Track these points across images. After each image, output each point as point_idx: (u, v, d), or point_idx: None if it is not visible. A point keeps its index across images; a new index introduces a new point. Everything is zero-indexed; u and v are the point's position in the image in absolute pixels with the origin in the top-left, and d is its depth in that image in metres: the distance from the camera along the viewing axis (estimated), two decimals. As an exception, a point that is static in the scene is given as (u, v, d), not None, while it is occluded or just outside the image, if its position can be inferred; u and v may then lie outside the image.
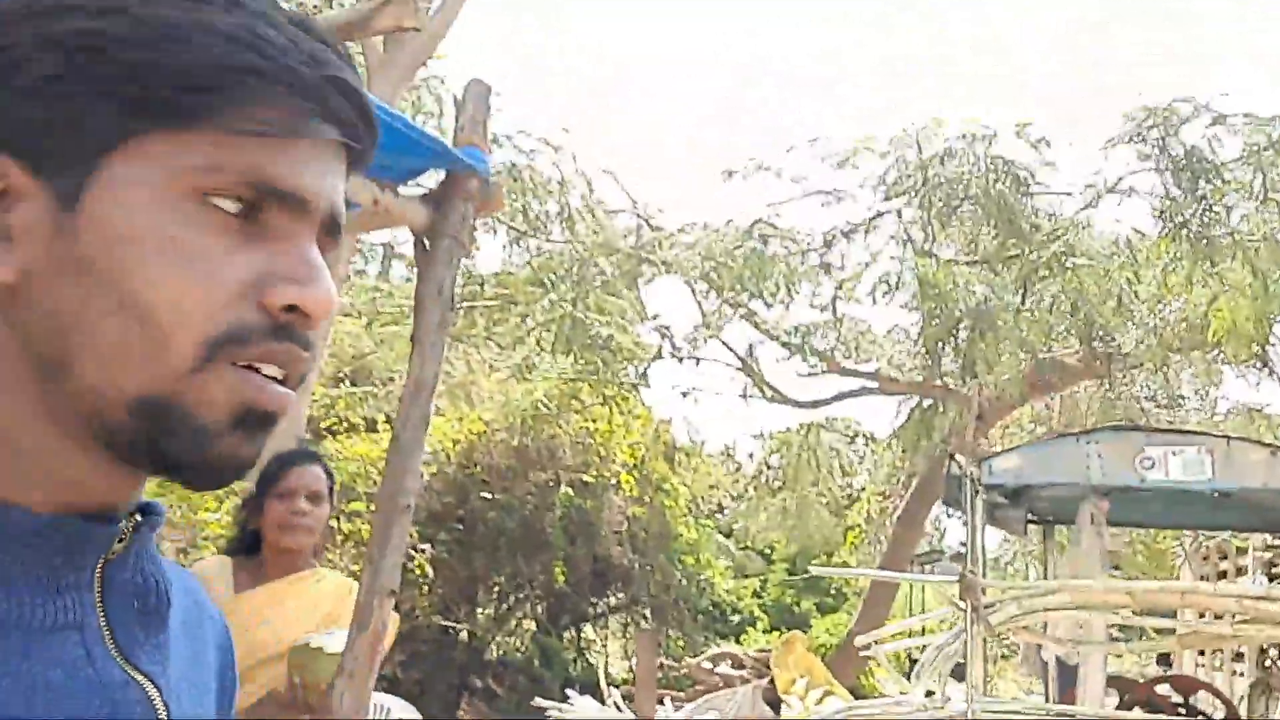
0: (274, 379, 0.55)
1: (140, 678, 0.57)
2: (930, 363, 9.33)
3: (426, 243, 2.47)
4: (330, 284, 0.56)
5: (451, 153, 2.39)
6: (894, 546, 12.60)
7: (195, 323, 0.53)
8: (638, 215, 8.49)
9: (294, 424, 6.64)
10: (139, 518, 0.59)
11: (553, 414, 11.94)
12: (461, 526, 12.02)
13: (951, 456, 6.35)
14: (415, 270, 2.44)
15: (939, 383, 9.60)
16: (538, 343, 9.31)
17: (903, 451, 12.15)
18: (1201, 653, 10.85)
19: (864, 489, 16.97)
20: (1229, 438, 6.33)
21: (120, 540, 0.58)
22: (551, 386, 11.67)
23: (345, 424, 12.42)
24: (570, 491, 12.29)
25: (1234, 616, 5.55)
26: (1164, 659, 12.07)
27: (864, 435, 16.38)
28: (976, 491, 5.31)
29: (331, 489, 2.70)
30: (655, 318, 10.21)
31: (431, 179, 2.50)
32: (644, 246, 8.60)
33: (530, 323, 8.94)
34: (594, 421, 12.51)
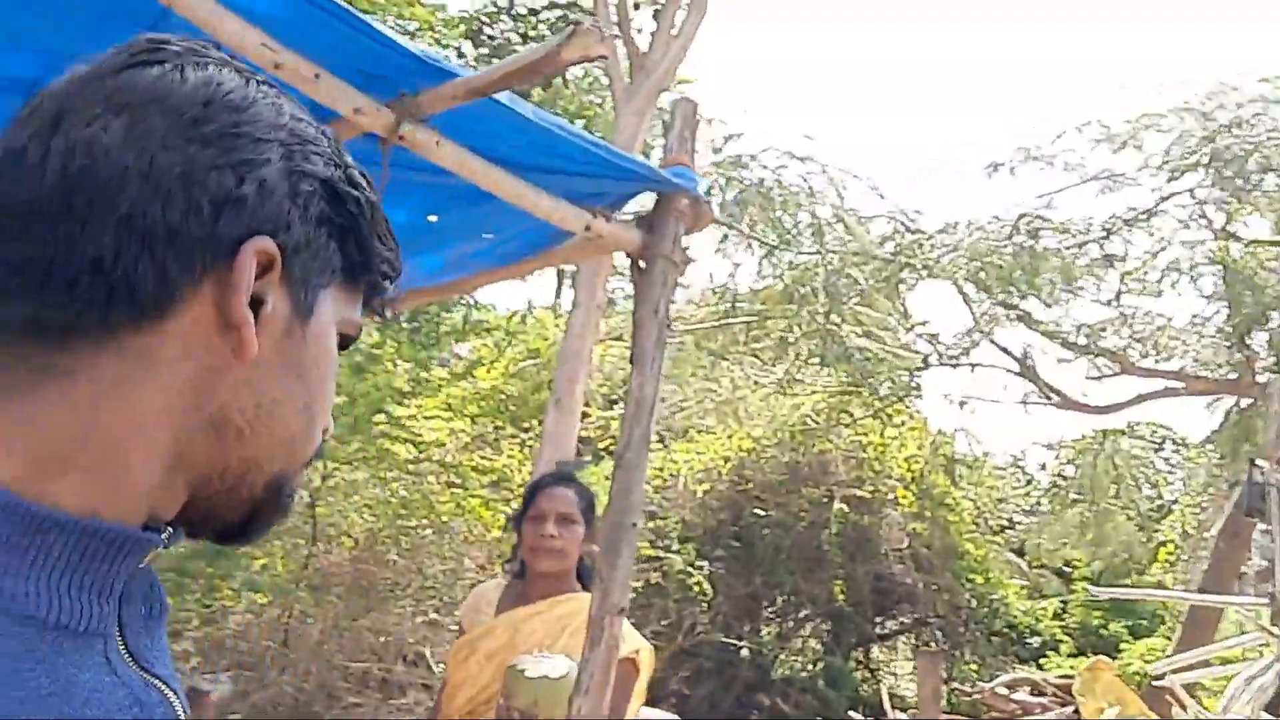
0: None
1: (156, 681, 0.59)
2: (1242, 357, 8.35)
3: (642, 265, 2.50)
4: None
5: (660, 175, 2.41)
6: (1216, 564, 11.33)
7: (320, 430, 0.65)
8: (894, 219, 8.19)
9: (560, 449, 6.94)
10: (169, 529, 0.63)
11: (822, 428, 11.75)
12: (738, 543, 12.07)
13: (1253, 462, 5.61)
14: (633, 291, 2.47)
15: (1256, 379, 8.57)
16: (796, 357, 9.19)
17: (1220, 458, 10.95)
18: None
19: (1176, 500, 15.44)
20: None
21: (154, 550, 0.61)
22: (819, 400, 11.49)
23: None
24: (845, 508, 12.02)
25: None
26: None
27: (1174, 441, 14.92)
28: (1284, 500, 4.67)
29: (588, 510, 2.71)
30: (924, 324, 9.80)
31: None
32: (903, 251, 8.27)
33: (790, 337, 8.83)
34: (866, 435, 12.19)
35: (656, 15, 7.17)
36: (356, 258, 0.65)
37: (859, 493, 12.13)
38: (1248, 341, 7.86)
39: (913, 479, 12.55)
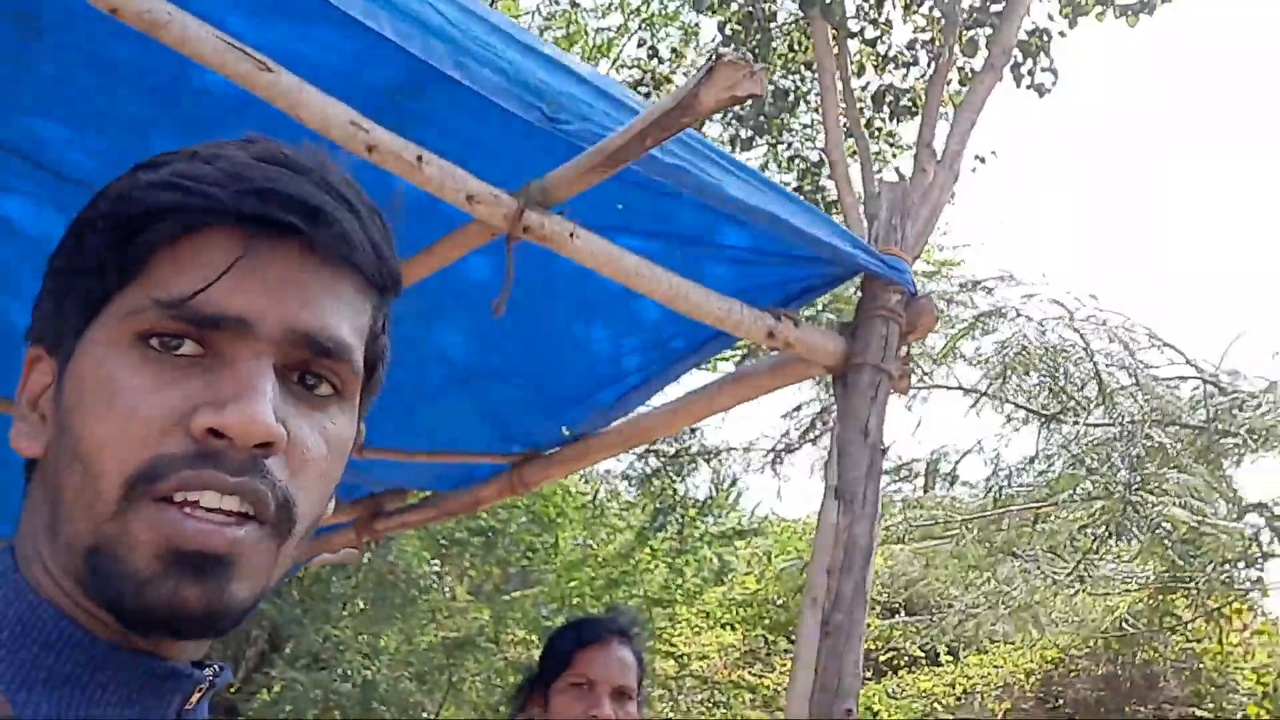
0: (222, 511, 0.55)
1: None
2: None
3: (845, 381, 2.03)
4: (258, 404, 0.55)
5: (874, 254, 1.97)
6: None
7: (116, 461, 0.54)
8: (1203, 379, 7.07)
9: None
10: (213, 674, 0.62)
11: (1143, 634, 10.15)
12: (1053, 774, 10.44)
13: None
14: (836, 412, 2.00)
15: None
16: (1097, 547, 7.97)
17: None
18: None
19: None
20: None
21: (198, 690, 0.60)
22: (1136, 600, 9.97)
23: (905, 657, 11.67)
24: (1183, 730, 10.18)
25: None
26: None
27: None
28: None
29: (643, 674, 1.99)
30: (1259, 506, 8.29)
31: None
32: (1220, 416, 7.09)
33: (1084, 518, 7.68)
34: (1199, 642, 10.42)
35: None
36: (113, 255, 0.59)
37: (1199, 712, 10.30)
38: None
39: (1264, 695, 10.50)
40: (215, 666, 0.63)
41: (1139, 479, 6.42)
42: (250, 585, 0.56)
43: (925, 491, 11.25)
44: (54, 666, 0.55)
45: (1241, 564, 8.81)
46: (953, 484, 9.98)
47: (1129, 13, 7.39)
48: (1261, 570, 9.07)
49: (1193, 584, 9.05)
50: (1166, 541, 6.67)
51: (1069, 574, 8.37)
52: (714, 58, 1.57)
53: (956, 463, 9.43)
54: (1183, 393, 7.28)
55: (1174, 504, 6.33)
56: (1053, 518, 8.12)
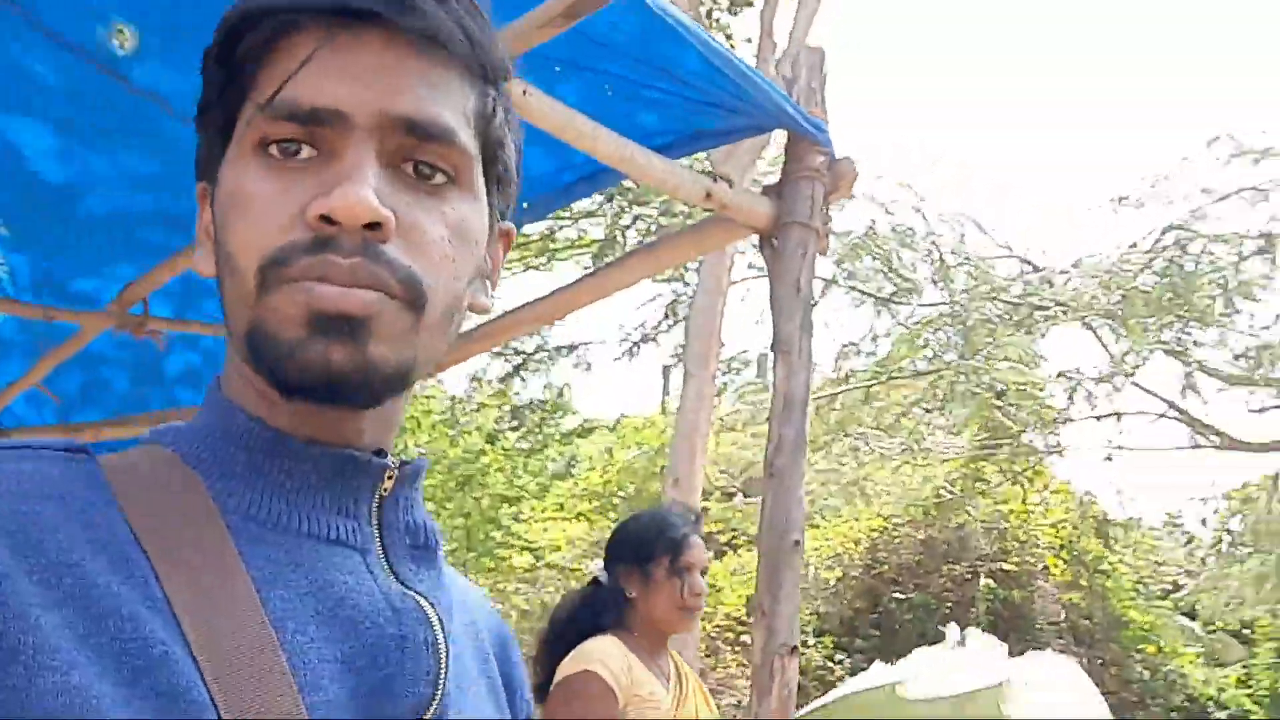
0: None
1: (415, 595, 0.63)
2: None
3: (774, 241, 2.12)
4: (359, 186, 0.57)
5: (801, 113, 2.03)
6: None
7: (251, 256, 0.59)
8: (1018, 258, 7.62)
9: (688, 493, 6.49)
10: (397, 462, 0.65)
11: (958, 500, 11.03)
12: (878, 632, 11.30)
13: None
14: (767, 271, 2.09)
15: None
16: (926, 421, 8.57)
17: None
18: None
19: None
20: None
21: (389, 478, 0.64)
22: (951, 469, 10.80)
23: (744, 536, 12.27)
24: (992, 583, 11.19)
25: None
26: None
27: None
28: None
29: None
30: (1060, 375, 9.08)
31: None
32: (1033, 291, 7.68)
33: (914, 396, 8.24)
34: (1006, 503, 11.42)
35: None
36: (231, 73, 0.62)
37: (1005, 566, 11.31)
38: None
39: (1062, 546, 11.65)
40: (401, 458, 0.66)
41: (978, 353, 6.91)
42: (391, 349, 0.58)
43: (758, 376, 11.69)
44: (246, 460, 0.61)
45: (1040, 428, 9.68)
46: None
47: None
48: (1058, 434, 10.00)
49: (1000, 450, 9.89)
50: (995, 404, 7.23)
51: (899, 449, 8.98)
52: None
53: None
54: (999, 270, 7.84)
55: (1004, 370, 6.85)
56: (884, 395, 8.66)
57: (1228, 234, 7.14)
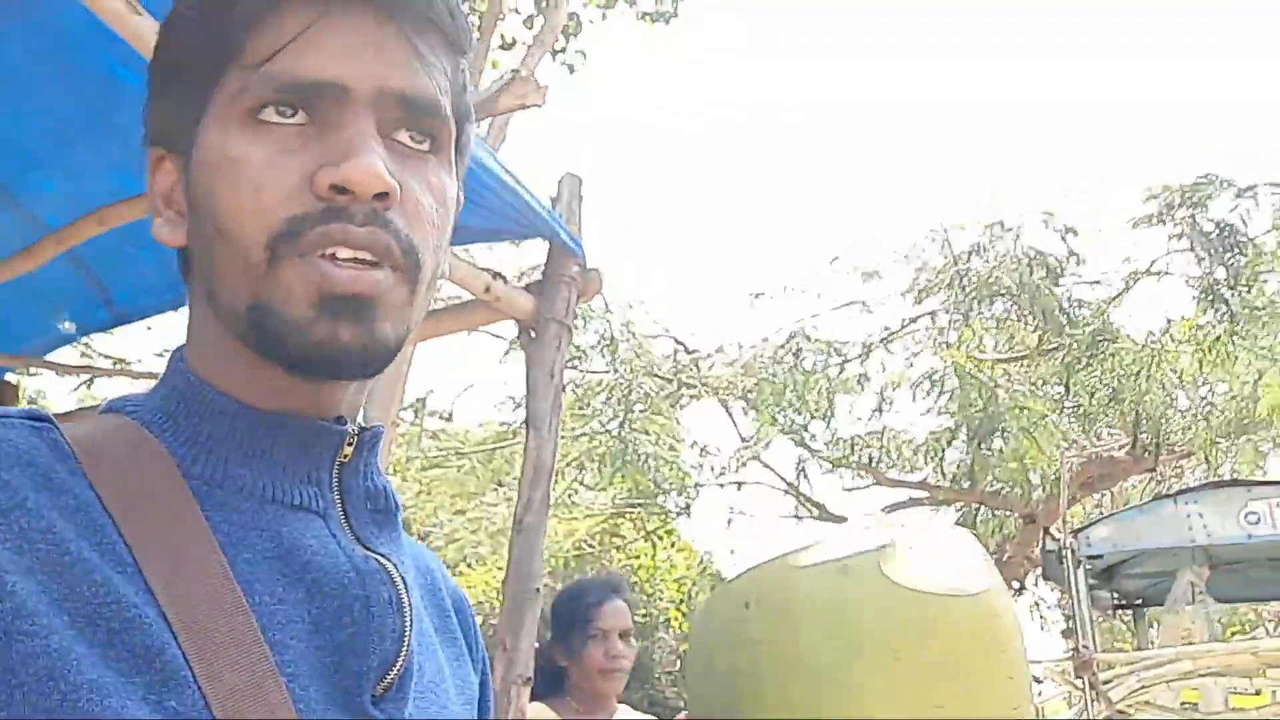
0: (359, 262, 0.59)
1: (377, 556, 0.64)
2: (974, 467, 9.22)
3: (533, 332, 2.51)
4: (372, 157, 0.58)
5: (567, 231, 2.44)
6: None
7: (255, 227, 0.58)
8: (673, 339, 8.57)
9: None
10: (363, 431, 0.66)
11: (596, 553, 11.76)
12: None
13: (1047, 530, 6.19)
14: (525, 358, 2.47)
15: (990, 487, 9.46)
16: (578, 479, 9.24)
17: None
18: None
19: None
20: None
21: (349, 444, 0.64)
22: (594, 525, 11.52)
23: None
24: (619, 632, 11.97)
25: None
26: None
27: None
28: (1078, 563, 5.16)
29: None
30: (697, 446, 10.12)
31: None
32: (682, 371, 8.63)
33: (573, 454, 8.90)
34: (637, 558, 12.29)
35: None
36: (214, 38, 0.61)
37: (634, 618, 12.09)
38: (984, 450, 8.71)
39: (682, 600, 12.71)
40: (359, 423, 0.67)
41: (632, 422, 7.63)
42: (393, 325, 0.60)
43: (412, 425, 11.81)
44: (213, 433, 0.62)
45: (676, 492, 10.70)
46: (449, 419, 10.74)
47: (649, 18, 8.57)
48: (693, 498, 11.08)
49: (640, 508, 10.78)
50: (640, 470, 8.00)
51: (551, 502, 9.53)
52: (513, 74, 1.94)
53: (453, 401, 10.14)
54: (658, 348, 8.74)
55: (650, 442, 7.64)
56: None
57: (836, 341, 8.52)
